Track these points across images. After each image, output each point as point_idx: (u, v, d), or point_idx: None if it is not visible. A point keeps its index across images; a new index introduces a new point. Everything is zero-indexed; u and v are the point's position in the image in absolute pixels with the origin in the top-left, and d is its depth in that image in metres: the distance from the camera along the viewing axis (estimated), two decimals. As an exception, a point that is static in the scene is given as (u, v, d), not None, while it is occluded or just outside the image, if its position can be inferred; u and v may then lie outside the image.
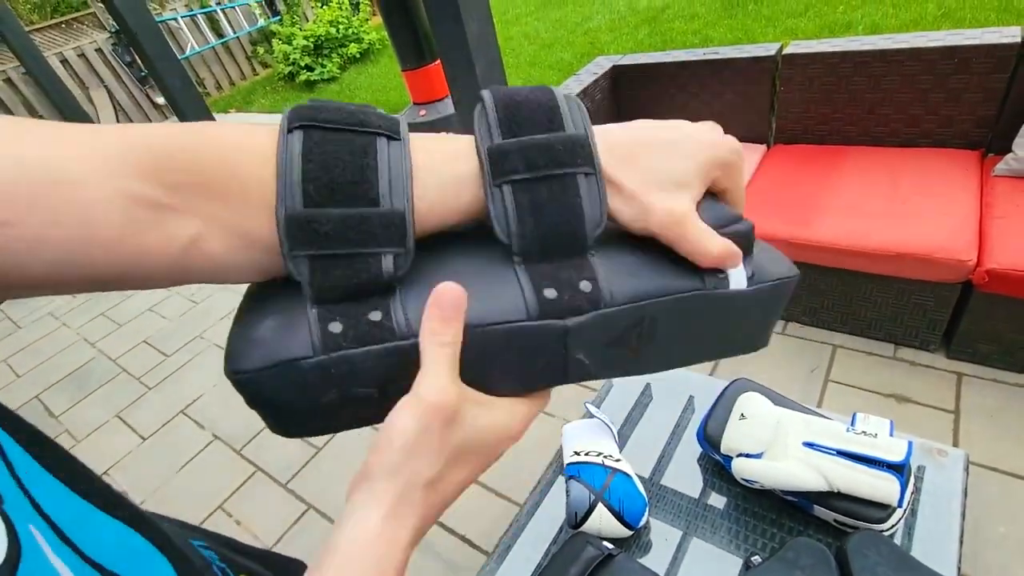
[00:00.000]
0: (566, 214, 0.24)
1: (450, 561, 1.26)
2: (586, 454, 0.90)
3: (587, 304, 0.24)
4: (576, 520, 0.81)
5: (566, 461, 0.90)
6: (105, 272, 0.22)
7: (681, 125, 0.27)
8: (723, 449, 0.83)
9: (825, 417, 0.83)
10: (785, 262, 0.30)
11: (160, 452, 1.86)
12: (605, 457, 0.88)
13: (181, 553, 0.29)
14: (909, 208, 1.46)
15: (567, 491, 0.85)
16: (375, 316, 0.23)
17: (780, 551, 0.73)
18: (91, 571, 0.22)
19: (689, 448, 0.94)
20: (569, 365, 0.26)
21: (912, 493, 0.74)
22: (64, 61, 6.23)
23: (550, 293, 0.24)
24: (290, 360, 0.22)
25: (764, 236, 1.53)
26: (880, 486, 0.71)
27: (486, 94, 0.25)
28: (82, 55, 6.30)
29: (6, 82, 6.05)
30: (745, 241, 0.27)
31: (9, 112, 6.02)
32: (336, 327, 0.22)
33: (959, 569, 0.72)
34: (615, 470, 0.85)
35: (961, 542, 0.75)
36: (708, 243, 0.25)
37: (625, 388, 1.08)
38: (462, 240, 0.26)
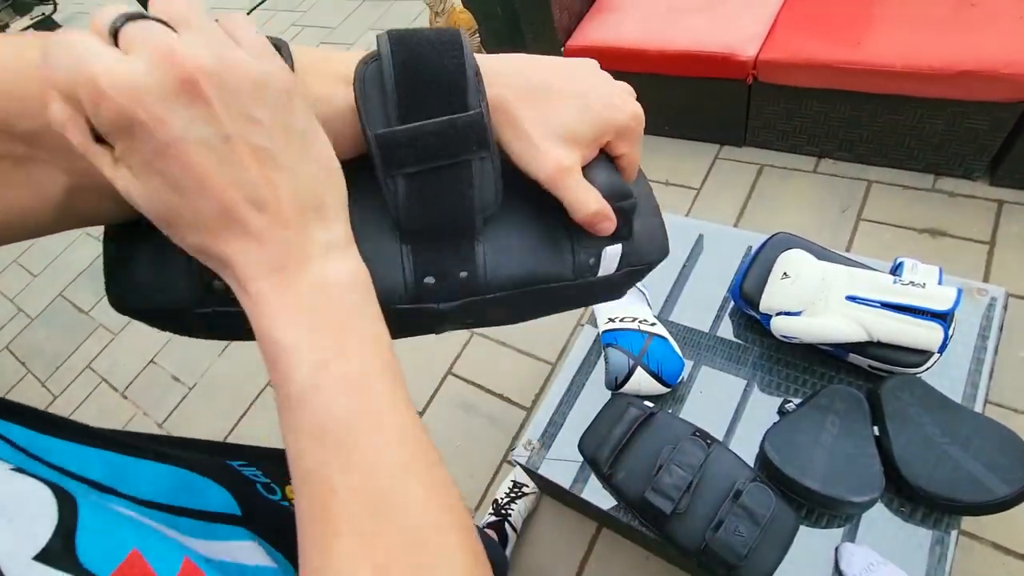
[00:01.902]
0: (456, 205, 0.24)
1: (492, 417, 1.38)
2: (621, 320, 0.91)
3: (461, 292, 0.26)
4: (616, 384, 0.84)
5: (601, 329, 0.91)
6: None
7: (591, 76, 0.26)
8: (762, 308, 0.82)
9: (870, 268, 0.81)
10: (659, 237, 0.30)
11: (193, 345, 1.94)
12: (640, 322, 0.89)
13: (227, 474, 0.29)
14: (978, 13, 1.25)
15: (605, 358, 0.87)
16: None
17: (814, 398, 0.76)
18: (148, 510, 0.23)
19: (698, 285, 0.96)
20: (434, 328, 0.29)
21: (952, 336, 0.74)
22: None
23: (429, 281, 0.25)
24: (170, 307, 0.24)
25: (804, 61, 1.35)
26: (923, 334, 0.72)
27: (383, 49, 0.22)
28: None
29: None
30: (625, 220, 0.27)
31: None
32: (217, 282, 0.22)
33: (986, 399, 0.76)
34: (652, 334, 0.86)
35: (991, 376, 0.78)
36: (588, 200, 0.25)
37: None
38: (360, 197, 0.24)
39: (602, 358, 0.91)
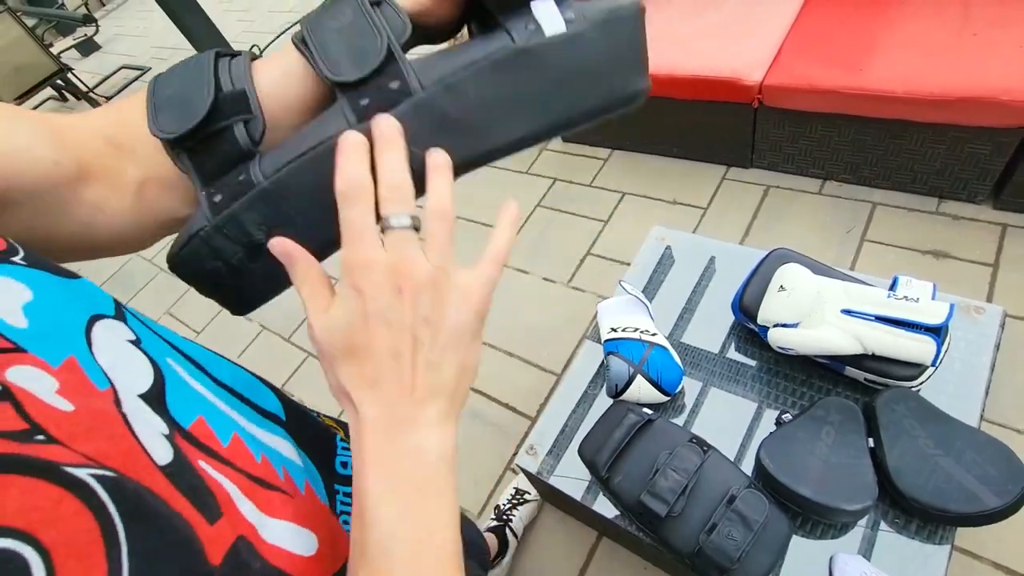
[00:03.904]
0: (367, 37, 0.27)
1: (498, 426, 1.40)
2: (623, 330, 0.93)
3: (398, 97, 0.27)
4: (616, 391, 0.87)
5: (604, 338, 0.94)
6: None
7: None
8: (760, 320, 0.84)
9: (865, 283, 0.83)
10: None
11: (216, 343, 2.00)
12: (642, 332, 0.91)
13: (278, 388, 0.37)
14: (979, 42, 1.28)
15: (607, 366, 0.90)
16: (241, 177, 0.28)
17: (810, 409, 0.78)
18: (223, 391, 0.29)
19: (710, 307, 0.97)
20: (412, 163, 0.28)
21: (946, 351, 0.76)
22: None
23: (364, 101, 0.27)
24: (195, 233, 0.29)
25: (808, 86, 1.39)
26: (916, 347, 0.73)
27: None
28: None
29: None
30: None
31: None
32: (217, 197, 0.29)
33: (982, 416, 0.77)
34: (652, 344, 0.89)
35: (987, 392, 0.79)
36: None
37: (646, 255, 1.08)
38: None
39: (604, 367, 0.94)
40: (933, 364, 0.74)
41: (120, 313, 0.26)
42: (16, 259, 0.22)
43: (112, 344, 0.23)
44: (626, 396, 0.86)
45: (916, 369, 0.75)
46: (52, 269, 0.24)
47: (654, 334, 0.91)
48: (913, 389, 0.77)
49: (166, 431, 0.22)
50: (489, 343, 1.58)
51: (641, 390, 0.85)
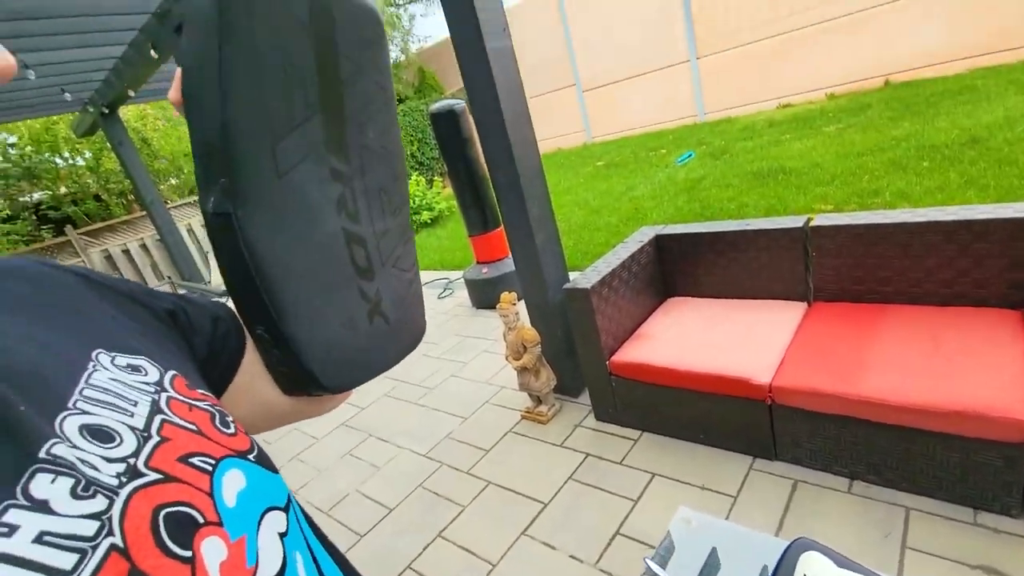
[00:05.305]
0: None
1: None
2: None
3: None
4: None
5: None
6: None
7: None
8: (788, 610, 0.83)
9: (889, 579, 0.83)
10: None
11: None
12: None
13: None
14: (954, 366, 1.49)
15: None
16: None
17: None
18: None
19: None
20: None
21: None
22: (190, 230, 7.54)
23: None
24: None
25: (811, 391, 1.57)
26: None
27: None
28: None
29: (142, 247, 7.32)
30: None
31: (137, 270, 7.15)
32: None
33: None
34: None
35: None
36: None
37: (689, 553, 1.06)
38: None
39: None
40: None
41: (287, 505, 0.33)
42: (251, 456, 0.31)
43: (269, 532, 0.30)
44: None
45: None
46: (265, 464, 0.32)
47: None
48: None
49: None
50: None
51: None
